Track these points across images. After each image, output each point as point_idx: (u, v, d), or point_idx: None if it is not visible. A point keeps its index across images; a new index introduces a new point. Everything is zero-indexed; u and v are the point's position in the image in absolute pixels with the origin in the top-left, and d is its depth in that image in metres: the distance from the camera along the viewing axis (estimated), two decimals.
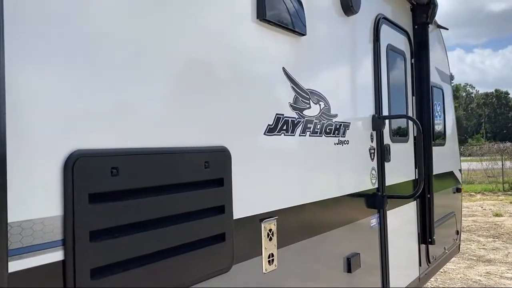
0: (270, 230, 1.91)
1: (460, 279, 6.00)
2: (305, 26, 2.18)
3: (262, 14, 1.89)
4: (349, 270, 2.53)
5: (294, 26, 2.08)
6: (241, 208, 1.73)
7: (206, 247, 1.56)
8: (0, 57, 0.95)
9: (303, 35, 2.17)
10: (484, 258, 7.19)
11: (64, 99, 1.15)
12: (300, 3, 2.17)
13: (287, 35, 2.08)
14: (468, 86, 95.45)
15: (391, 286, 3.06)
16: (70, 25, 1.17)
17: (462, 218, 11.60)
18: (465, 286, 5.51)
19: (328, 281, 2.35)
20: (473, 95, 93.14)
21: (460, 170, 5.13)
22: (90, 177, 1.19)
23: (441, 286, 5.65)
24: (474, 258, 7.20)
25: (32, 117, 1.06)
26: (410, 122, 3.53)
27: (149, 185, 1.36)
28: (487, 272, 6.32)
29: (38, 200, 1.08)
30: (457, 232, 4.81)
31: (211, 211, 1.60)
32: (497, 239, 8.70)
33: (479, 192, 17.64)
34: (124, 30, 1.33)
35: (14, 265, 1.01)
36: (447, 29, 4.65)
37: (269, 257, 1.90)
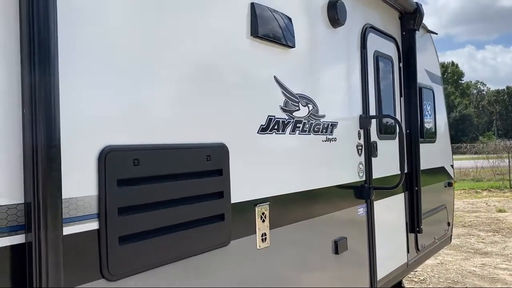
0: (263, 213, 2.27)
1: (456, 269, 6.30)
2: (294, 39, 2.53)
3: (255, 32, 2.25)
4: (336, 252, 2.89)
5: (284, 40, 2.44)
6: (238, 194, 2.10)
7: (209, 224, 1.93)
8: (54, 75, 1.32)
9: (293, 47, 2.52)
10: (481, 251, 7.47)
11: (98, 106, 1.52)
12: (290, 19, 2.53)
13: (278, 48, 2.43)
14: (479, 83, 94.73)
15: (378, 269, 3.40)
16: (107, 46, 1.54)
17: (466, 214, 11.82)
18: (450, 285, 5.81)
19: (316, 259, 2.71)
20: (484, 92, 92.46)
21: (452, 166, 5.44)
22: (118, 167, 1.56)
23: (424, 286, 5.95)
24: (472, 250, 7.48)
25: (76, 120, 1.44)
26: (397, 118, 3.86)
27: (162, 173, 1.73)
28: (483, 264, 6.61)
29: (81, 182, 1.45)
30: (448, 224, 5.11)
31: (212, 196, 1.96)
32: (497, 234, 8.94)
33: (485, 189, 17.78)
34: (141, 48, 1.70)
35: (65, 230, 1.38)
36: (436, 33, 4.97)
37: (262, 236, 2.26)
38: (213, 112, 2.01)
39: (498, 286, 5.55)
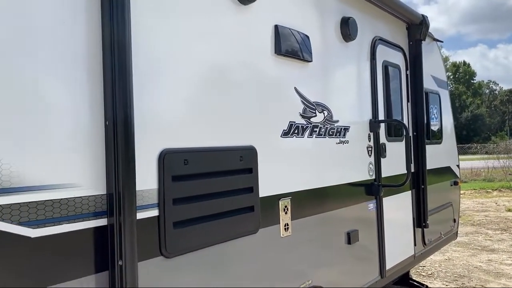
0: (286, 206, 2.63)
1: (462, 265, 6.58)
2: (311, 54, 2.89)
3: (278, 50, 2.61)
4: (348, 242, 3.23)
5: (302, 55, 2.79)
6: (265, 189, 2.46)
7: (241, 214, 2.29)
8: (130, 97, 1.69)
9: (310, 61, 2.88)
10: (488, 248, 7.73)
11: (159, 117, 1.89)
12: (307, 37, 2.88)
13: (297, 62, 2.79)
14: (491, 83, 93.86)
15: (387, 260, 3.73)
16: (171, 79, 1.92)
17: (475, 213, 12.02)
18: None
19: (331, 248, 3.06)
20: (496, 92, 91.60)
21: (458, 166, 5.74)
22: (172, 165, 1.93)
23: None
24: (479, 248, 7.75)
25: (143, 129, 1.81)
26: (406, 124, 4.19)
27: (205, 171, 2.09)
28: (489, 260, 6.89)
29: (146, 178, 1.83)
30: (454, 220, 5.42)
31: (244, 190, 2.33)
32: (504, 232, 9.18)
33: (496, 189, 17.88)
34: (196, 75, 2.07)
35: (137, 216, 1.75)
36: (442, 41, 5.27)
37: (285, 226, 2.62)
38: (244, 120, 2.37)
39: (501, 281, 5.83)
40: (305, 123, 2.83)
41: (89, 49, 1.65)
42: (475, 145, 22.28)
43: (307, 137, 2.85)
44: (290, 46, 2.70)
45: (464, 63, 77.41)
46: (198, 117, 2.11)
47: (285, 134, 2.66)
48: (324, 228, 3.00)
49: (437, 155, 4.97)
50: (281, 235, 2.60)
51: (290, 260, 2.65)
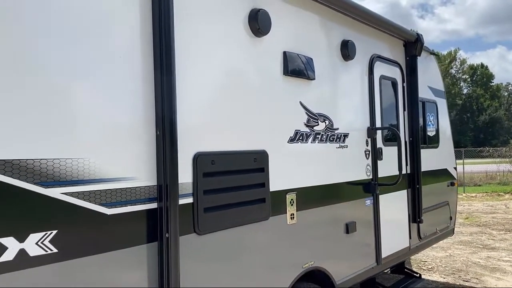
0: (292, 199, 3.22)
1: (462, 261, 7.05)
2: (314, 73, 3.47)
3: (286, 71, 3.20)
4: (347, 231, 3.80)
5: (307, 74, 3.38)
6: (274, 185, 3.05)
7: (255, 204, 2.89)
8: (175, 110, 2.30)
9: (313, 79, 3.46)
10: (489, 246, 8.17)
11: (194, 128, 2.50)
12: (311, 59, 3.47)
13: (302, 80, 3.37)
14: (510, 85, 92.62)
15: (382, 249, 4.28)
16: (207, 94, 2.53)
17: (483, 215, 12.38)
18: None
19: (331, 235, 3.63)
20: None
21: (455, 168, 6.23)
22: (203, 165, 2.53)
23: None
24: (481, 246, 8.19)
25: (184, 138, 2.41)
26: (402, 130, 4.74)
27: (227, 169, 2.70)
28: (488, 256, 7.34)
29: (185, 174, 2.43)
30: (451, 218, 5.91)
31: (258, 185, 2.92)
32: (508, 232, 9.57)
33: (508, 192, 18.09)
34: (223, 92, 2.68)
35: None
36: (437, 55, 5.78)
37: (291, 215, 3.20)
38: (258, 129, 2.97)
39: (496, 275, 6.30)
40: (308, 131, 3.41)
41: (145, 79, 2.27)
42: (487, 148, 22.40)
43: (310, 142, 3.43)
44: (296, 67, 3.29)
45: (482, 65, 76.61)
46: (222, 127, 2.71)
47: (291, 140, 3.25)
48: (325, 218, 3.58)
49: (434, 158, 5.49)
50: (288, 223, 3.19)
51: (295, 244, 3.24)
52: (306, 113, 3.41)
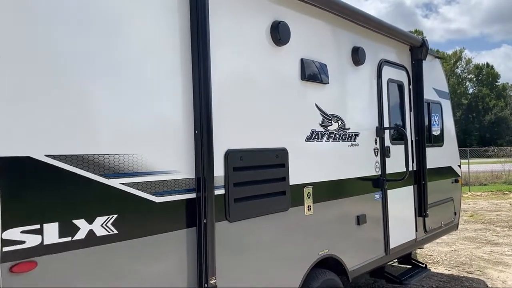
0: (309, 192, 3.54)
1: (466, 255, 7.34)
2: (328, 78, 3.80)
3: (303, 76, 3.53)
4: (358, 223, 4.12)
5: (321, 79, 3.71)
6: (293, 179, 3.38)
7: (277, 196, 3.22)
8: (210, 115, 2.64)
9: (327, 83, 3.79)
10: (493, 242, 8.45)
11: (227, 130, 2.84)
12: (325, 65, 3.79)
13: (317, 85, 3.70)
14: None
15: (391, 240, 4.59)
16: (238, 103, 2.86)
17: (488, 212, 12.61)
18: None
19: (343, 226, 3.95)
20: None
21: (459, 166, 6.52)
22: (233, 160, 2.87)
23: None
24: (485, 241, 8.47)
25: (218, 138, 2.75)
26: (408, 129, 5.06)
27: (253, 164, 3.03)
28: (491, 251, 7.62)
29: (218, 168, 2.77)
30: (455, 213, 6.21)
31: (279, 179, 3.26)
32: (511, 229, 9.84)
33: None
34: (254, 97, 3.01)
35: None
36: (443, 58, 6.08)
37: (308, 207, 3.53)
38: (279, 129, 3.31)
39: (498, 267, 6.59)
40: (323, 130, 3.74)
41: (185, 88, 2.61)
42: (492, 148, 22.62)
43: (325, 141, 3.76)
44: (312, 73, 3.62)
45: (487, 65, 76.49)
46: (248, 127, 3.05)
47: (308, 139, 3.58)
48: (338, 211, 3.91)
49: (438, 156, 5.79)
50: (305, 214, 3.52)
51: (312, 233, 3.57)
52: (321, 114, 3.73)
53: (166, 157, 2.50)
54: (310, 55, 3.63)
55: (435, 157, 5.62)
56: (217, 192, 2.75)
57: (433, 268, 6.54)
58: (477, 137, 67.41)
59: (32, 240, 1.92)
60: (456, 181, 6.35)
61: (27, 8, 1.97)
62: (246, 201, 2.97)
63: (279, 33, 3.26)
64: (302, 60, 3.54)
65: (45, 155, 1.97)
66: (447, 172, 6.11)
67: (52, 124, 2.01)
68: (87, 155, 2.12)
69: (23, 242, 1.89)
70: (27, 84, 1.95)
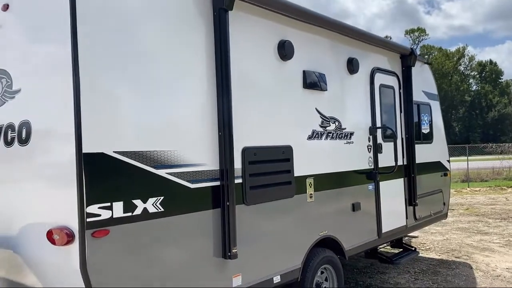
0: (310, 182, 4.23)
1: (456, 243, 7.99)
2: (326, 85, 4.47)
3: (305, 85, 4.21)
4: (353, 209, 4.80)
5: (320, 87, 4.38)
6: (297, 171, 4.06)
7: (284, 185, 3.91)
8: (230, 120, 3.33)
9: (326, 90, 4.46)
10: (483, 231, 9.09)
11: (245, 130, 3.52)
12: (324, 74, 4.47)
13: (317, 92, 4.38)
14: None
15: (383, 225, 5.27)
16: (255, 106, 3.55)
17: (483, 206, 13.24)
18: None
19: (341, 212, 4.63)
20: None
21: (448, 161, 7.18)
22: (248, 155, 3.56)
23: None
24: (476, 231, 9.12)
25: (237, 137, 3.43)
26: (398, 128, 5.72)
27: (265, 159, 3.72)
28: (480, 239, 8.27)
29: (236, 162, 3.45)
30: (444, 204, 6.87)
31: (285, 171, 3.94)
32: (504, 220, 10.46)
33: (511, 187, 18.84)
34: (269, 102, 3.70)
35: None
36: (431, 64, 6.74)
37: (310, 195, 4.22)
38: (285, 129, 3.99)
39: (485, 253, 7.25)
40: (322, 130, 4.42)
41: (212, 98, 3.30)
42: (490, 144, 23.18)
43: (324, 139, 4.44)
44: (313, 82, 4.30)
45: (491, 62, 76.76)
46: (260, 128, 3.73)
47: (309, 137, 4.26)
48: (336, 198, 4.59)
49: (428, 152, 6.45)
50: (308, 200, 4.20)
51: (313, 217, 4.25)
52: (320, 116, 4.41)
53: (197, 153, 3.19)
54: (311, 67, 4.31)
55: (424, 153, 6.28)
56: (236, 181, 3.43)
57: (425, 254, 7.21)
58: (480, 134, 67.80)
59: (105, 214, 2.61)
60: (445, 174, 7.00)
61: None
62: (259, 189, 3.66)
63: (284, 50, 3.94)
64: (304, 71, 4.21)
65: (113, 151, 2.67)
66: (436, 166, 6.77)
67: (119, 128, 2.71)
68: (142, 151, 2.81)
69: (99, 215, 2.59)
70: (107, 101, 2.64)
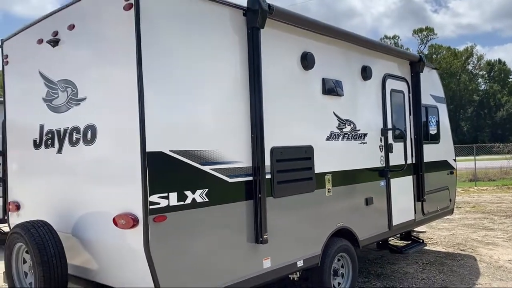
0: (329, 179, 4.72)
1: (462, 238, 8.44)
2: (343, 91, 4.96)
3: (324, 91, 4.71)
4: (366, 204, 5.29)
5: (337, 93, 4.88)
6: (317, 168, 4.56)
7: (305, 181, 4.41)
8: (261, 123, 3.83)
9: (342, 96, 4.95)
10: (488, 228, 9.52)
11: (274, 132, 4.03)
12: (341, 81, 4.96)
13: (334, 97, 4.87)
14: None
15: (393, 219, 5.75)
16: (281, 113, 4.05)
17: (489, 204, 13.63)
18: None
19: (355, 205, 5.13)
20: None
21: (454, 160, 7.63)
22: (276, 154, 4.07)
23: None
24: (481, 227, 9.55)
25: (268, 137, 3.94)
26: (408, 129, 6.20)
27: (290, 157, 4.23)
28: (485, 235, 8.71)
29: (267, 159, 3.96)
30: (450, 200, 7.32)
31: (307, 169, 4.44)
32: (509, 218, 10.86)
33: None
34: (293, 107, 4.20)
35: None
36: (438, 69, 7.20)
37: (328, 190, 4.71)
38: (307, 131, 4.49)
39: (489, 247, 7.69)
40: (339, 132, 4.91)
41: (245, 104, 3.81)
42: (497, 144, 23.48)
43: (340, 140, 4.94)
44: (330, 88, 4.79)
45: (499, 61, 76.59)
46: (286, 130, 4.24)
47: (328, 138, 4.76)
48: (351, 193, 5.08)
49: (435, 152, 6.92)
50: (326, 195, 4.70)
51: (331, 210, 4.75)
52: (337, 119, 4.91)
53: (234, 152, 3.70)
54: (329, 75, 4.80)
55: (432, 152, 6.75)
56: (267, 176, 3.95)
57: (432, 248, 7.67)
58: (488, 133, 67.78)
59: (163, 203, 3.14)
60: (451, 172, 7.46)
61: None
62: (285, 183, 4.17)
63: (306, 61, 4.44)
64: (323, 79, 4.71)
65: (169, 150, 3.19)
66: (443, 165, 7.23)
67: (173, 131, 3.23)
68: (191, 150, 3.33)
69: (159, 203, 3.11)
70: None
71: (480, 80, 76.27)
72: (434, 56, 73.20)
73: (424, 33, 73.57)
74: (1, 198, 8.84)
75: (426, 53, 73.21)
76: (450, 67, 70.00)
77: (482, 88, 75.41)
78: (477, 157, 21.37)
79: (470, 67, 74.72)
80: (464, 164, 23.59)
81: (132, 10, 3.07)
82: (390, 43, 72.30)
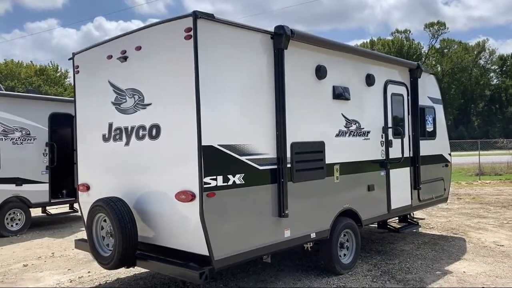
0: (337, 168, 5.78)
1: (457, 224, 9.44)
2: (350, 96, 5.99)
3: (334, 96, 5.76)
4: (368, 190, 6.34)
5: (345, 97, 5.91)
6: (328, 160, 5.61)
7: (318, 170, 5.47)
8: (284, 124, 4.89)
9: (349, 100, 5.99)
10: (482, 216, 10.50)
11: (294, 130, 5.09)
12: (348, 88, 5.99)
13: (343, 101, 5.90)
14: None
15: (392, 203, 6.78)
16: (300, 113, 5.11)
17: (489, 196, 14.57)
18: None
19: (359, 191, 6.18)
20: None
21: (449, 154, 8.61)
22: (295, 148, 5.13)
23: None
24: (476, 216, 10.52)
25: (289, 134, 4.99)
26: (406, 127, 7.21)
27: (306, 150, 5.29)
28: (478, 222, 9.70)
29: (288, 152, 5.02)
30: (444, 189, 8.32)
31: (319, 160, 5.51)
32: (504, 208, 11.80)
33: None
34: (308, 109, 5.26)
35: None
36: (435, 74, 8.16)
37: (336, 178, 5.77)
38: (320, 129, 5.54)
39: (479, 231, 8.69)
40: (346, 130, 5.96)
41: (272, 107, 4.87)
42: (501, 139, 24.22)
43: (347, 137, 5.98)
44: (340, 94, 5.83)
45: None
46: (303, 129, 5.29)
47: (337, 135, 5.81)
48: (355, 181, 6.13)
49: (431, 147, 7.92)
50: (335, 181, 5.75)
51: (338, 194, 5.80)
52: (345, 119, 5.95)
53: (263, 146, 4.77)
54: (338, 83, 5.84)
55: (428, 147, 7.75)
56: (288, 165, 5.01)
57: (428, 231, 8.70)
58: (500, 128, 67.98)
59: (213, 183, 4.23)
60: (446, 165, 8.45)
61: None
62: (302, 171, 5.24)
63: (320, 73, 5.48)
64: (333, 86, 5.75)
65: (218, 144, 4.28)
66: (438, 158, 8.23)
67: (220, 129, 4.31)
68: (232, 144, 4.41)
69: (210, 183, 4.20)
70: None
71: (492, 74, 76.18)
72: (446, 50, 73.37)
73: (436, 27, 73.67)
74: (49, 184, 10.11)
75: (438, 47, 73.38)
76: (461, 62, 70.15)
77: (494, 83, 75.32)
78: (486, 152, 22.09)
79: (482, 61, 74.70)
80: (471, 158, 24.44)
81: (192, 40, 4.14)
82: (401, 37, 72.62)
